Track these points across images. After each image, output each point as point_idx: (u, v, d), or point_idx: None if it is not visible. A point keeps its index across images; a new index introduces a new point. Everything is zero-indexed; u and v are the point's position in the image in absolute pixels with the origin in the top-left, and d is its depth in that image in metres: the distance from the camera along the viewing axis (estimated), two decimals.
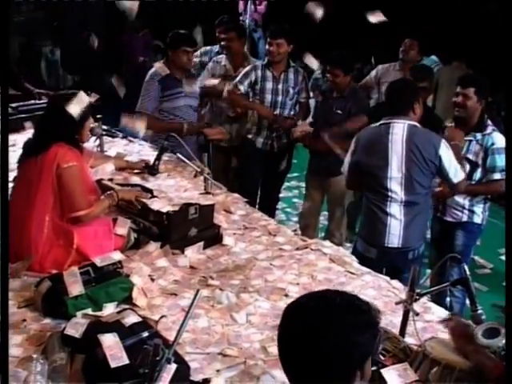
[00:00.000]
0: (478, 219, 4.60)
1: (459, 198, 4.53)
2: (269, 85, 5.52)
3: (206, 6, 5.47)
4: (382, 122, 4.00)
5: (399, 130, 3.88)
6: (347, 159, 4.16)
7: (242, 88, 5.56)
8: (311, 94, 5.90)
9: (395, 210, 3.92)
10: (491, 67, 7.68)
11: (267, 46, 5.54)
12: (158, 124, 5.27)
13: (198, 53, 6.44)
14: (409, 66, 6.10)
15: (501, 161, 4.32)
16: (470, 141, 4.46)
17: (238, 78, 5.62)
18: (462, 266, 2.72)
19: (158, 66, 5.35)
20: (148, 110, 5.23)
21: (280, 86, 5.53)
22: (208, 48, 6.46)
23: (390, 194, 3.91)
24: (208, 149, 5.68)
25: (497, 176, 4.37)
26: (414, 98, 3.99)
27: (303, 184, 6.40)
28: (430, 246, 4.97)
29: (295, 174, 7.50)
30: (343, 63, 5.26)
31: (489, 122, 4.47)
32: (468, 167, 4.43)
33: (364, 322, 1.74)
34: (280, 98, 5.55)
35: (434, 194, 4.43)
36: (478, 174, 4.46)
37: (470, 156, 4.45)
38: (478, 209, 4.58)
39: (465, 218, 4.58)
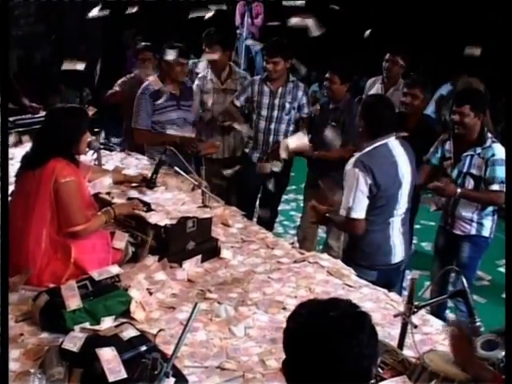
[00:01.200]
0: (486, 232, 4.58)
1: (467, 212, 4.50)
2: (265, 99, 5.52)
3: (207, 21, 5.45)
4: (376, 144, 3.78)
5: (398, 147, 3.82)
6: (359, 197, 3.70)
7: (238, 103, 5.60)
8: (311, 108, 5.88)
9: (397, 224, 3.90)
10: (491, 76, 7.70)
11: (264, 64, 5.54)
12: (150, 137, 5.31)
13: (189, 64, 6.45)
14: (391, 81, 6.12)
15: (501, 172, 4.28)
16: (472, 156, 4.42)
17: (236, 93, 5.65)
18: (460, 277, 2.71)
19: (151, 80, 5.34)
20: (141, 125, 5.25)
21: (276, 101, 5.51)
22: (196, 60, 6.47)
23: (395, 211, 3.85)
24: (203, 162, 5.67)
25: (495, 187, 4.31)
26: (394, 113, 3.99)
27: (301, 197, 6.40)
28: (434, 258, 4.94)
29: (293, 187, 7.49)
30: (342, 70, 5.25)
31: (489, 134, 4.44)
32: (472, 183, 4.41)
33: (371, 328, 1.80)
34: (276, 113, 5.53)
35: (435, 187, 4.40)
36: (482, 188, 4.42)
37: (474, 171, 4.40)
38: (488, 222, 4.55)
39: (473, 232, 4.55)
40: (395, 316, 2.89)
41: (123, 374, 2.35)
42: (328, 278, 3.60)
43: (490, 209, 4.53)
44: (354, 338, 1.71)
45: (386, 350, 2.62)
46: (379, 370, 2.52)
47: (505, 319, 2.25)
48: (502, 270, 6.19)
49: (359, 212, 3.72)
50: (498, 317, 2.75)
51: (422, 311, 2.99)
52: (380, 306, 3.31)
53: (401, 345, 2.77)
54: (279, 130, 5.58)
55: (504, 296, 4.80)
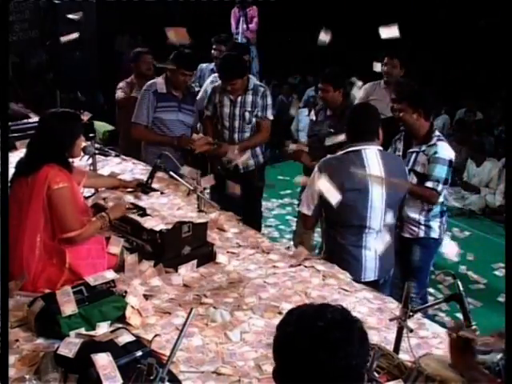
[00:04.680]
0: (434, 234, 4.51)
1: (414, 213, 4.46)
2: (226, 109, 5.48)
3: (200, 24, 5.55)
4: (348, 149, 3.84)
5: (373, 156, 3.79)
6: (310, 196, 3.91)
7: (209, 112, 5.62)
8: (305, 111, 5.86)
9: (370, 241, 3.85)
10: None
11: (222, 84, 5.48)
12: (149, 136, 5.37)
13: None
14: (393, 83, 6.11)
15: (439, 171, 4.24)
16: (417, 152, 4.40)
17: (204, 103, 5.68)
18: (455, 281, 2.70)
19: (159, 81, 5.41)
20: (142, 120, 5.33)
21: (237, 111, 5.46)
22: (204, 65, 6.52)
23: (367, 225, 3.81)
24: (201, 167, 5.68)
25: (428, 184, 4.26)
26: (379, 124, 3.91)
27: (296, 201, 6.41)
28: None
29: (288, 191, 7.51)
30: (333, 79, 5.27)
31: (436, 133, 4.41)
32: (415, 180, 4.36)
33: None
34: (237, 123, 5.49)
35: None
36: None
37: (418, 168, 4.37)
38: (435, 223, 4.49)
39: (421, 234, 4.50)
40: (391, 320, 2.89)
41: (119, 380, 2.34)
42: (324, 282, 3.60)
43: (437, 210, 4.49)
44: (341, 351, 1.70)
45: (381, 354, 2.62)
46: (375, 374, 2.51)
47: (505, 320, 2.24)
48: (498, 273, 6.21)
49: (306, 208, 3.92)
50: (493, 320, 2.76)
51: (418, 315, 2.99)
52: (375, 310, 3.31)
53: (397, 349, 2.77)
54: (243, 139, 5.54)
55: (500, 299, 4.82)
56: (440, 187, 4.26)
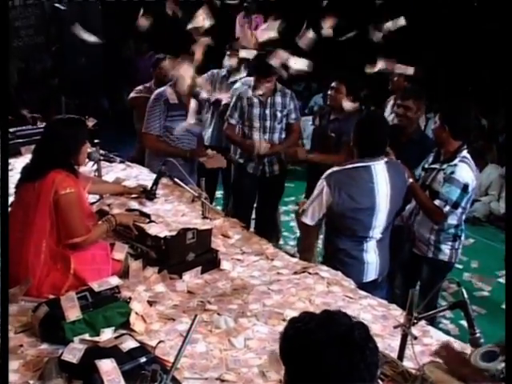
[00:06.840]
0: (444, 257, 4.45)
1: (425, 232, 4.44)
2: (256, 110, 5.55)
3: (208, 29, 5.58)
4: (358, 165, 3.80)
5: (381, 170, 3.78)
6: (317, 207, 3.85)
7: (234, 121, 5.65)
8: (311, 119, 5.90)
9: (372, 246, 3.89)
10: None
11: (255, 81, 5.52)
12: (161, 146, 5.35)
13: (205, 75, 6.49)
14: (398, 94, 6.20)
15: (449, 192, 4.17)
16: (438, 170, 4.35)
17: (228, 112, 5.70)
18: (460, 288, 2.70)
19: (168, 90, 5.41)
20: (154, 131, 5.32)
21: (267, 111, 5.55)
22: (215, 71, 6.53)
23: (371, 235, 3.85)
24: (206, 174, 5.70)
25: (436, 202, 4.20)
26: (388, 136, 3.87)
27: None
28: (399, 270, 4.80)
29: (292, 198, 7.50)
30: (350, 81, 5.29)
31: (463, 153, 4.28)
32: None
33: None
34: (268, 123, 5.56)
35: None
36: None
37: (434, 185, 4.33)
38: (445, 246, 4.42)
39: (430, 254, 4.46)
40: (395, 327, 2.88)
41: None
42: (328, 289, 3.59)
43: (451, 232, 4.42)
44: (367, 349, 1.75)
45: (385, 361, 2.62)
46: (379, 381, 2.51)
47: (505, 325, 2.24)
48: (502, 280, 6.20)
49: (310, 219, 3.89)
50: (497, 327, 2.75)
51: (422, 322, 2.98)
52: (380, 317, 3.31)
53: (401, 356, 2.76)
54: (273, 140, 5.61)
55: (504, 307, 4.80)
56: (447, 208, 4.18)
